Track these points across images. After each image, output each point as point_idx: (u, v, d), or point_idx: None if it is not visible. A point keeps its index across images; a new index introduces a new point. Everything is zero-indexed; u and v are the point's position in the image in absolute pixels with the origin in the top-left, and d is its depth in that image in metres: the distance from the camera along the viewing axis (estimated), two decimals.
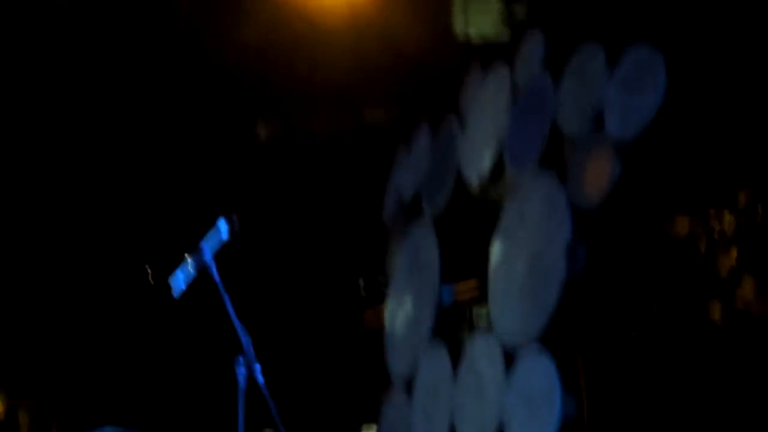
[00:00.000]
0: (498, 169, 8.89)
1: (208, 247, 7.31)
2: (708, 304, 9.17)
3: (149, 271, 12.97)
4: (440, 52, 11.93)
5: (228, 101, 13.24)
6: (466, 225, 9.15)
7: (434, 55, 11.77)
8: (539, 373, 7.73)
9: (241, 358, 7.26)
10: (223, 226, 7.44)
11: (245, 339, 7.23)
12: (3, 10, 12.47)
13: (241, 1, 12.64)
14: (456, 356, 8.66)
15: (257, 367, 7.26)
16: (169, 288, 7.25)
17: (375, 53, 12.42)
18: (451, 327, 9.02)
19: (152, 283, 12.78)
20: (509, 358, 8.07)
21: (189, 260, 7.25)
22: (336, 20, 12.54)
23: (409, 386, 9.26)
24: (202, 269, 7.24)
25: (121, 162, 13.19)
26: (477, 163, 9.11)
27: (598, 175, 7.87)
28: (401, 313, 9.51)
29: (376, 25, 12.28)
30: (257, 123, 13.83)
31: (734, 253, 9.47)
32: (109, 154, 13.18)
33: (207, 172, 13.08)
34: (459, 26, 12.89)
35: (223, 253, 7.35)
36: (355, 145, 12.94)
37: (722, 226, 9.54)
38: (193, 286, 7.25)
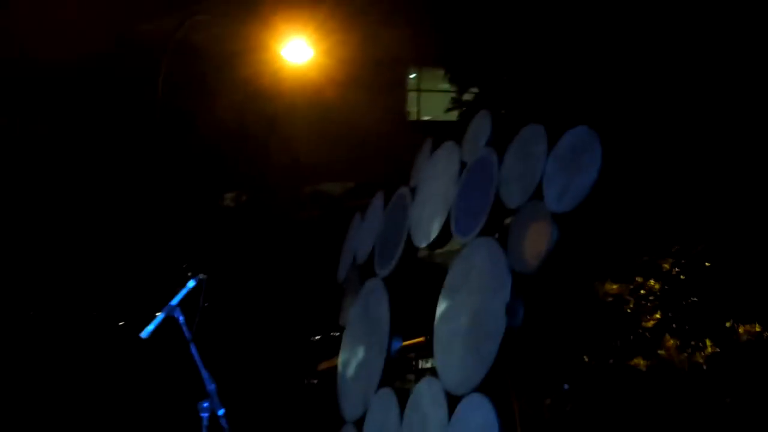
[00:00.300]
0: (444, 235, 8.95)
1: (178, 303, 7.37)
2: (633, 358, 9.25)
3: (121, 325, 13.00)
4: (395, 130, 12.10)
5: (199, 172, 13.33)
6: (414, 284, 9.18)
7: (389, 132, 11.93)
8: (479, 417, 7.74)
9: (205, 403, 7.28)
10: (192, 284, 7.51)
11: (211, 386, 7.26)
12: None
13: (216, 84, 12.79)
14: (403, 401, 8.66)
15: (221, 411, 7.29)
16: (140, 341, 7.27)
17: (336, 131, 12.56)
18: (399, 375, 9.02)
19: (124, 336, 12.80)
20: (452, 403, 8.07)
21: (159, 315, 7.29)
22: (302, 102, 12.68)
23: (359, 427, 9.24)
24: (172, 323, 7.29)
25: (97, 225, 13.26)
26: (426, 229, 9.18)
27: (536, 242, 7.92)
28: (354, 361, 9.53)
29: (338, 106, 12.43)
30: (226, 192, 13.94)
31: (657, 314, 9.56)
32: (87, 218, 13.25)
33: (178, 235, 13.12)
34: (412, 107, 13.03)
35: (191, 309, 7.40)
36: (314, 212, 13.03)
37: (647, 290, 9.66)
38: (163, 337, 7.28)
